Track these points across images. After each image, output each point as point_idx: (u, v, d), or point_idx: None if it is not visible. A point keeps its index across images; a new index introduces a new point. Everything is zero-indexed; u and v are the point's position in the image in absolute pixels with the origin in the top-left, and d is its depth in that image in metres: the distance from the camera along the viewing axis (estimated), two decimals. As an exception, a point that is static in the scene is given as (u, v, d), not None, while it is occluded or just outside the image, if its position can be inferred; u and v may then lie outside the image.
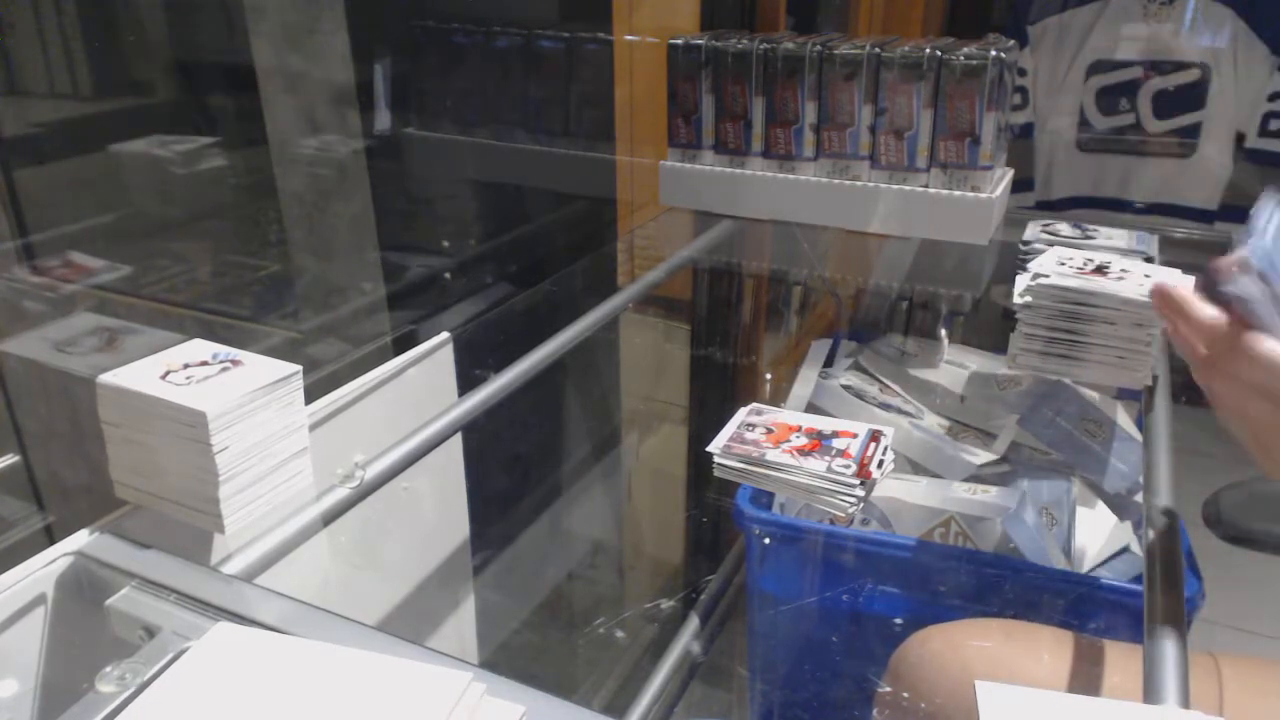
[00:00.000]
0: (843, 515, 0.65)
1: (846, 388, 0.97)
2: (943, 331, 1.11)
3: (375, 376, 0.78)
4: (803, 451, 0.64)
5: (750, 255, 1.28)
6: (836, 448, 0.65)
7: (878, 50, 0.96)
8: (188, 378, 0.53)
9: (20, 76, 0.82)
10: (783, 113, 1.02)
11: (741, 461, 0.65)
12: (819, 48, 0.98)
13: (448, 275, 1.21)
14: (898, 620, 0.74)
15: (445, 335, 0.88)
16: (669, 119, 1.09)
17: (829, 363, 1.05)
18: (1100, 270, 0.72)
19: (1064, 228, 0.92)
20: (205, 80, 0.99)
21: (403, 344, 0.85)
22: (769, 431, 0.67)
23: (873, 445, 0.65)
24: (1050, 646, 0.62)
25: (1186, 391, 0.76)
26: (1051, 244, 0.87)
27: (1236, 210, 1.78)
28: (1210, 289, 0.52)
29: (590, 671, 1.29)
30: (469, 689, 0.37)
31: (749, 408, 0.71)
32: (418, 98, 1.20)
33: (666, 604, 1.34)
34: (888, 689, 0.67)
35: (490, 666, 0.42)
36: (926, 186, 0.98)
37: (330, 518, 0.61)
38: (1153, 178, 1.84)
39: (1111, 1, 1.78)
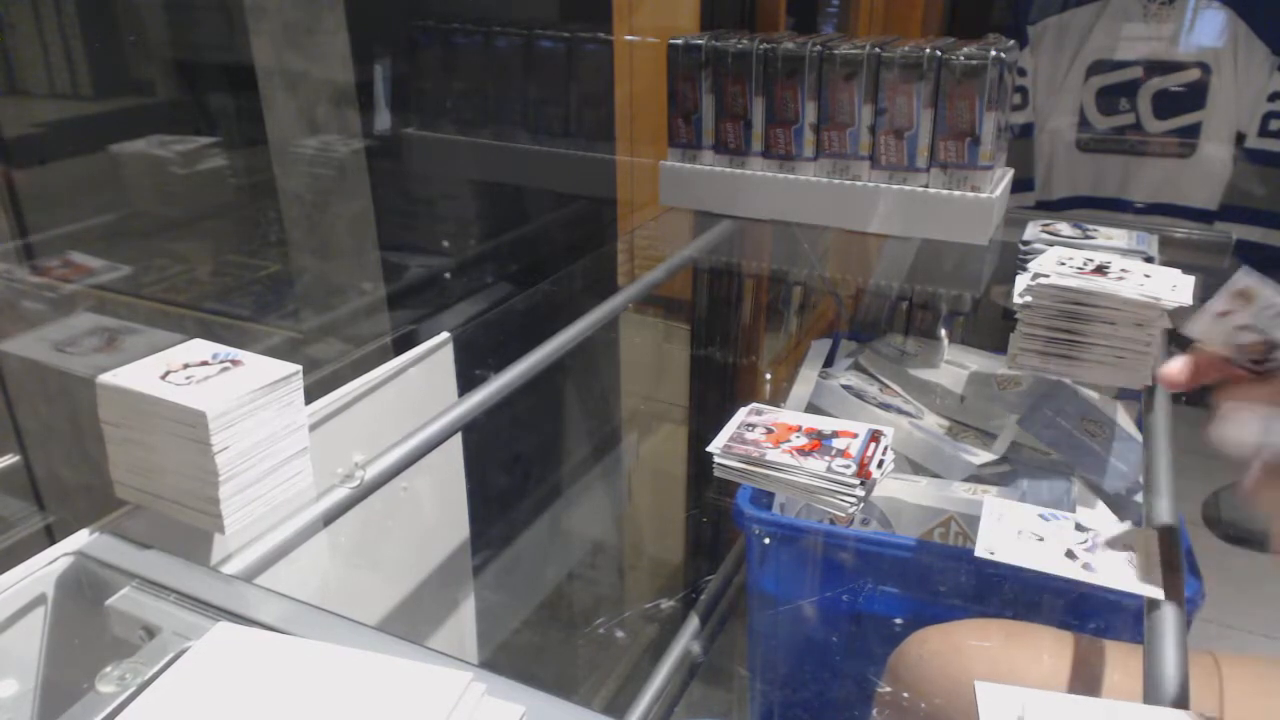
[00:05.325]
0: (843, 515, 0.65)
1: (846, 388, 0.97)
2: (943, 331, 1.11)
3: (375, 376, 0.78)
4: (803, 451, 0.64)
5: (750, 255, 1.28)
6: (836, 448, 0.65)
7: (878, 50, 0.96)
8: (188, 378, 0.53)
9: (20, 76, 0.82)
10: (783, 113, 1.02)
11: (741, 461, 0.65)
12: (819, 48, 0.98)
13: (448, 275, 1.21)
14: (898, 620, 0.74)
15: (445, 335, 0.88)
16: (669, 119, 1.09)
17: (829, 363, 1.05)
18: (1100, 270, 0.72)
19: (1064, 228, 0.92)
20: (205, 80, 0.99)
21: (403, 344, 0.85)
22: (769, 431, 0.67)
23: (873, 445, 0.65)
24: (1050, 646, 0.62)
25: (1186, 391, 0.76)
26: (1051, 244, 0.87)
27: (1236, 210, 1.78)
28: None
29: (590, 671, 1.29)
30: (469, 689, 0.37)
31: (749, 408, 0.71)
32: (418, 98, 1.20)
33: (666, 604, 1.34)
34: (887, 689, 0.67)
35: (490, 666, 0.42)
36: (926, 186, 0.98)
37: (330, 518, 0.61)
38: (1153, 178, 1.85)
39: (1111, 1, 1.78)
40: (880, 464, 0.63)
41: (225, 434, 0.51)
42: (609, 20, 1.21)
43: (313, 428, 0.60)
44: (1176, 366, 0.51)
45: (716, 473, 0.65)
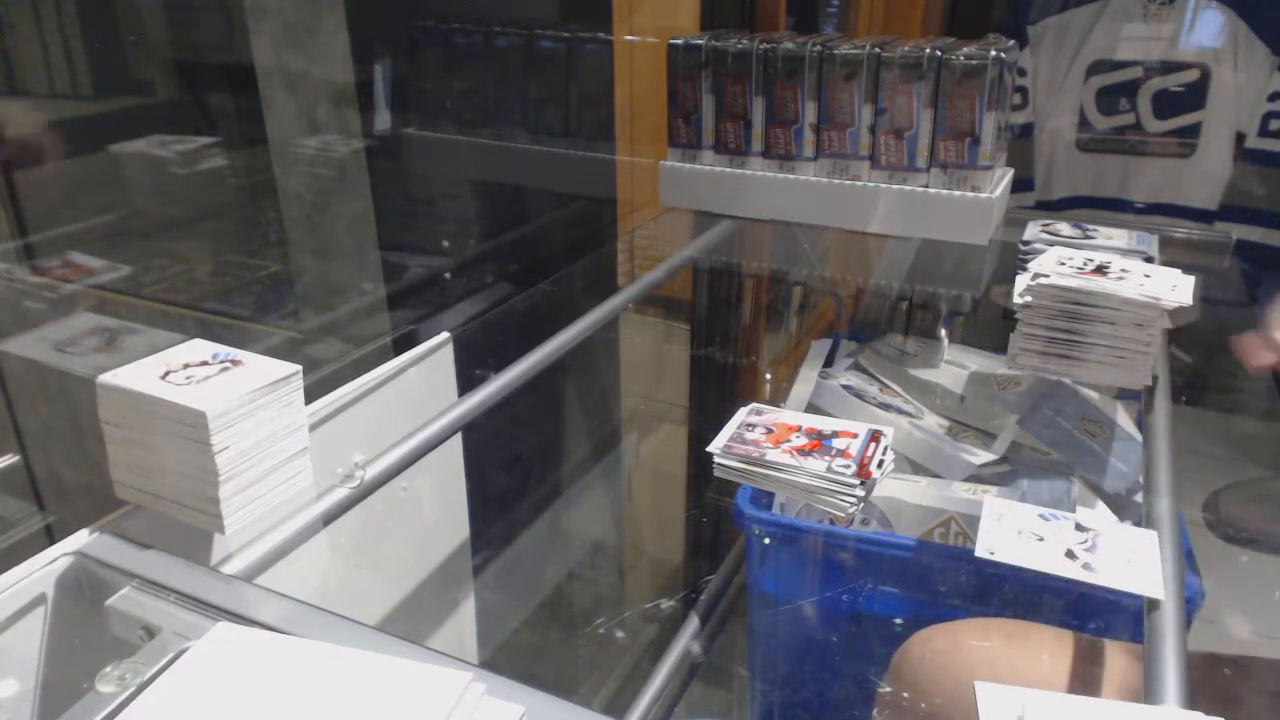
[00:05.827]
0: (843, 515, 0.65)
1: (846, 388, 0.97)
2: (943, 331, 1.11)
3: (375, 376, 0.78)
4: (803, 451, 0.64)
5: (750, 255, 1.28)
6: (836, 448, 0.65)
7: (878, 50, 0.96)
8: (188, 378, 0.53)
9: (20, 76, 0.82)
10: (783, 113, 1.02)
11: (741, 461, 0.65)
12: (819, 48, 0.98)
13: (447, 275, 1.21)
14: (898, 620, 0.74)
15: (445, 335, 0.88)
16: (669, 119, 1.09)
17: (829, 363, 1.05)
18: (1100, 270, 0.72)
19: (1064, 228, 0.92)
20: (205, 80, 0.99)
21: (403, 344, 0.85)
22: (769, 431, 0.67)
23: (873, 445, 0.65)
24: (1050, 646, 0.62)
25: (1186, 391, 0.76)
26: (1051, 244, 0.87)
27: (1236, 210, 1.78)
28: None
29: (590, 671, 1.29)
30: (469, 689, 0.37)
31: (749, 408, 0.71)
32: (418, 98, 1.20)
33: (666, 604, 1.34)
34: (888, 689, 0.67)
35: (490, 666, 0.42)
36: (926, 186, 0.98)
37: (330, 518, 0.61)
38: (1153, 178, 1.84)
39: (1111, 1, 1.78)
40: (880, 464, 0.63)
41: (225, 434, 0.51)
42: (609, 20, 1.21)
43: (313, 428, 0.60)
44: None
45: (716, 473, 0.65)
